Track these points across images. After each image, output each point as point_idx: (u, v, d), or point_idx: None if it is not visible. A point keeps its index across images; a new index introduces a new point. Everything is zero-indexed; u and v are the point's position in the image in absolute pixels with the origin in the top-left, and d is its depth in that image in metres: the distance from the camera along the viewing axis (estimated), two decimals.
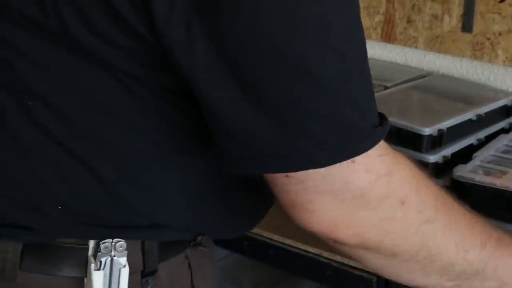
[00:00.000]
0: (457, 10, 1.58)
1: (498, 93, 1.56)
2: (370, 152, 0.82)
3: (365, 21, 1.69)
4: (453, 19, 1.59)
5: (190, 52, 0.79)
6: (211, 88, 0.81)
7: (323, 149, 0.81)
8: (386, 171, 0.85)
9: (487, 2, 1.54)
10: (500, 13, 1.53)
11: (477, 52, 1.58)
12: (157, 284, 0.99)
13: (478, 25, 1.56)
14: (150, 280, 0.98)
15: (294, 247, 1.36)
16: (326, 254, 1.33)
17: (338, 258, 1.32)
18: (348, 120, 0.81)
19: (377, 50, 1.72)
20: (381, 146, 0.84)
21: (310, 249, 1.35)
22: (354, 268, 1.30)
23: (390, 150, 0.86)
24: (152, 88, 0.88)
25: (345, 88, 0.80)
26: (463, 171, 1.31)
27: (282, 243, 1.38)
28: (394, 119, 1.38)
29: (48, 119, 0.90)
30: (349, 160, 0.82)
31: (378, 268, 0.93)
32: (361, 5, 1.68)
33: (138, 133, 0.91)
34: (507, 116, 1.51)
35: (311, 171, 0.82)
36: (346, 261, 1.32)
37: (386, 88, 1.56)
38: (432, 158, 1.35)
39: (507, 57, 1.55)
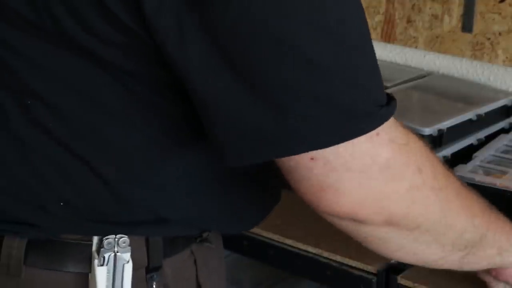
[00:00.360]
0: (457, 10, 1.58)
1: (498, 93, 1.56)
2: (391, 122, 0.85)
3: None
4: (453, 19, 1.59)
5: (182, 44, 0.79)
6: (205, 78, 0.81)
7: (354, 120, 0.82)
8: (405, 141, 0.87)
9: (487, 2, 1.54)
10: (500, 13, 1.53)
11: (477, 52, 1.58)
12: (162, 280, 0.99)
13: (478, 25, 1.56)
14: (155, 276, 0.98)
15: (294, 247, 1.36)
16: (326, 254, 1.33)
17: (338, 258, 1.32)
18: (370, 94, 0.83)
19: (377, 50, 1.71)
20: (394, 119, 0.87)
21: (310, 249, 1.35)
22: (354, 268, 1.30)
23: (400, 123, 0.89)
24: (148, 84, 0.88)
25: (344, 68, 0.81)
26: (463, 171, 1.31)
27: (282, 243, 1.38)
28: None
29: (48, 119, 0.90)
30: (373, 132, 0.83)
31: (397, 247, 0.95)
32: None
33: (136, 130, 0.91)
34: (507, 116, 1.51)
35: (339, 149, 0.82)
36: (346, 261, 1.32)
37: (386, 88, 1.55)
38: None
39: (507, 57, 1.55)
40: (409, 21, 1.64)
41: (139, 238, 0.97)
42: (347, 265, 1.31)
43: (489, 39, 1.56)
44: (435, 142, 1.35)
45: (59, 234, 0.96)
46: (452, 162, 1.36)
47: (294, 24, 0.78)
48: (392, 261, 1.31)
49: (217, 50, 0.79)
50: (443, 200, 0.93)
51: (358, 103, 0.83)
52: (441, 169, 0.92)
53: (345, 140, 0.82)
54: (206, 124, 0.85)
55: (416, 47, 1.65)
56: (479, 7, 1.55)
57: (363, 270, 1.30)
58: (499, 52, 1.55)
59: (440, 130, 1.35)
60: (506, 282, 1.13)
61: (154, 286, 0.98)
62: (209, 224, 1.02)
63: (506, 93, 1.56)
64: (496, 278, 1.13)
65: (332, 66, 0.80)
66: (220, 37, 0.78)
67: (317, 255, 1.34)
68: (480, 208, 1.00)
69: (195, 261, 1.03)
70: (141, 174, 0.94)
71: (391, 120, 0.86)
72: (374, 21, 1.68)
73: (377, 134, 0.84)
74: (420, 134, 1.34)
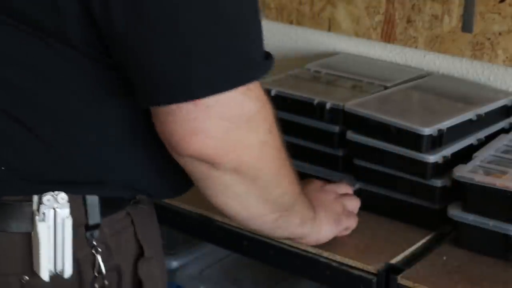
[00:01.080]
0: (457, 10, 1.58)
1: (498, 93, 1.56)
2: (258, 82, 0.99)
3: (365, 21, 1.69)
4: (453, 19, 1.59)
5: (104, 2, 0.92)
6: (125, 25, 0.93)
7: (226, 75, 0.95)
8: (265, 101, 1.01)
9: (487, 2, 1.54)
10: (500, 13, 1.53)
11: (477, 52, 1.58)
12: (101, 237, 1.07)
13: (478, 25, 1.56)
14: (94, 234, 1.06)
15: (294, 247, 1.36)
16: (326, 254, 1.33)
17: (338, 258, 1.32)
18: (245, 51, 0.97)
19: (377, 50, 1.72)
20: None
21: (310, 249, 1.35)
22: (354, 268, 1.31)
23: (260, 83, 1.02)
24: (75, 45, 0.97)
25: (241, 22, 0.96)
26: (463, 171, 1.31)
27: (282, 243, 1.38)
28: (394, 119, 1.38)
29: None
30: (245, 87, 0.97)
31: (233, 195, 1.06)
32: (361, 5, 1.69)
33: (68, 92, 1.00)
34: (507, 116, 1.51)
35: (220, 96, 0.95)
36: (346, 261, 1.32)
37: (386, 88, 1.56)
38: (432, 158, 1.35)
39: (507, 57, 1.55)
40: (409, 21, 1.64)
41: (77, 197, 1.04)
42: (347, 265, 1.31)
43: (489, 39, 1.56)
44: (435, 142, 1.35)
45: (1, 196, 1.03)
46: (452, 162, 1.36)
47: None
48: (392, 261, 1.31)
49: (130, 4, 0.92)
50: (281, 160, 1.08)
51: (251, 53, 0.98)
52: (279, 135, 1.06)
53: (239, 85, 0.96)
54: (128, 71, 0.97)
55: (416, 47, 1.65)
56: (479, 7, 1.55)
57: (363, 270, 1.30)
58: (499, 52, 1.55)
59: (440, 130, 1.35)
60: None
61: (94, 243, 1.06)
62: (142, 187, 1.10)
63: (506, 93, 1.56)
64: None
65: (234, 21, 0.95)
66: None
67: (317, 255, 1.34)
68: (295, 178, 1.14)
69: (132, 221, 1.12)
70: (75, 135, 1.02)
71: (258, 81, 0.99)
72: (374, 21, 1.68)
73: (249, 89, 0.98)
74: (420, 134, 1.34)
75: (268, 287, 1.68)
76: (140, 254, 1.13)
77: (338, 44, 1.77)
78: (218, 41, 0.94)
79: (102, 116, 1.02)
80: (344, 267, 1.31)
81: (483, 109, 1.45)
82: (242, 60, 0.97)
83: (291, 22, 1.80)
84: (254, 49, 0.99)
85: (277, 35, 1.87)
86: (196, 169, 1.02)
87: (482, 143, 1.43)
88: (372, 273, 1.29)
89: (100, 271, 1.07)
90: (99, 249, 1.06)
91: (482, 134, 1.45)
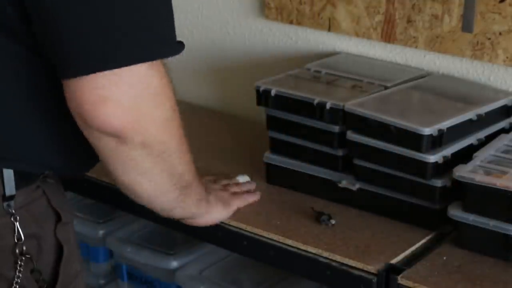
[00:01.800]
0: (457, 10, 1.58)
1: (498, 93, 1.56)
2: (164, 62, 1.08)
3: (365, 21, 1.69)
4: (453, 19, 1.59)
5: None
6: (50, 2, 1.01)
7: (135, 49, 1.04)
8: (169, 80, 1.10)
9: (487, 2, 1.54)
10: (500, 13, 1.53)
11: (477, 52, 1.58)
12: (17, 207, 1.17)
13: (478, 25, 1.56)
14: (11, 203, 1.16)
15: (294, 247, 1.36)
16: (326, 254, 1.33)
17: (338, 258, 1.32)
18: (155, 30, 1.06)
19: (377, 50, 1.72)
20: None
21: (310, 249, 1.35)
22: (354, 268, 1.31)
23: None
24: None
25: (153, 4, 1.05)
26: (463, 171, 1.31)
27: (282, 243, 1.38)
28: (394, 119, 1.38)
29: None
30: (153, 63, 1.05)
31: (141, 170, 1.13)
32: (361, 5, 1.69)
33: None
34: (507, 116, 1.51)
35: (133, 68, 1.04)
36: (346, 261, 1.32)
37: (386, 88, 1.55)
38: (432, 158, 1.35)
39: (507, 57, 1.55)
40: (409, 21, 1.64)
41: None
42: (347, 265, 1.31)
43: (489, 39, 1.56)
44: (435, 142, 1.35)
45: None
46: (452, 162, 1.36)
47: None
48: (392, 261, 1.31)
49: None
50: (182, 138, 1.16)
51: (161, 33, 1.07)
52: (180, 117, 1.14)
53: (147, 60, 1.04)
54: (44, 46, 1.05)
55: (416, 47, 1.65)
56: (479, 7, 1.55)
57: (363, 270, 1.30)
58: (499, 52, 1.55)
59: (440, 130, 1.35)
60: None
61: (13, 211, 1.16)
62: (50, 163, 1.18)
63: (506, 93, 1.56)
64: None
65: (145, 2, 1.04)
66: None
67: (317, 255, 1.34)
68: (192, 158, 1.21)
69: (44, 192, 1.21)
70: None
71: (162, 61, 1.08)
72: (374, 21, 1.68)
73: (156, 65, 1.06)
74: (420, 134, 1.34)
75: (268, 287, 1.67)
76: (58, 220, 1.23)
77: (338, 44, 1.77)
78: (130, 17, 1.03)
79: (11, 94, 1.11)
80: (344, 267, 1.31)
81: (483, 109, 1.45)
82: (151, 38, 1.06)
83: (291, 22, 1.80)
84: (164, 31, 1.08)
85: (277, 35, 1.87)
86: (105, 145, 1.09)
87: (482, 143, 1.43)
88: (372, 273, 1.29)
89: (19, 238, 1.17)
90: (17, 217, 1.17)
91: (482, 134, 1.45)
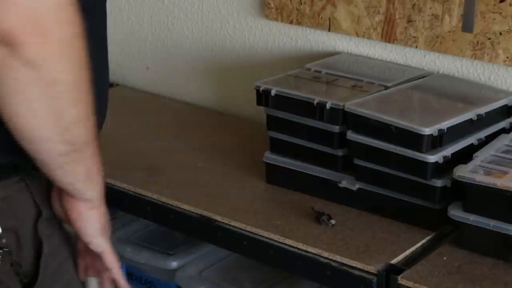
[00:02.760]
0: (457, 10, 1.58)
1: (498, 93, 1.56)
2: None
3: (365, 21, 1.69)
4: (453, 19, 1.59)
5: None
6: None
7: None
8: (76, 10, 0.98)
9: (487, 2, 1.54)
10: (500, 13, 1.53)
11: (478, 52, 1.58)
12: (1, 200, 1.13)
13: (478, 25, 1.56)
14: None
15: (294, 247, 1.36)
16: (326, 254, 1.33)
17: (338, 258, 1.32)
18: None
19: (377, 50, 1.72)
20: None
21: (310, 249, 1.35)
22: (354, 268, 1.30)
23: None
24: None
25: None
26: (463, 171, 1.31)
27: (282, 243, 1.38)
28: (394, 119, 1.38)
29: None
30: None
31: (28, 99, 1.00)
32: (361, 5, 1.69)
33: None
34: (508, 116, 1.51)
35: None
36: (346, 261, 1.32)
37: (386, 88, 1.55)
38: (432, 158, 1.35)
39: (507, 57, 1.55)
40: (409, 21, 1.64)
41: None
42: (347, 265, 1.31)
43: (489, 39, 1.56)
44: (435, 142, 1.35)
45: None
46: (452, 162, 1.36)
47: None
48: (392, 261, 1.31)
49: None
50: (83, 81, 1.02)
51: None
52: (88, 61, 1.03)
53: None
54: None
55: (416, 47, 1.65)
56: (479, 7, 1.55)
57: (363, 270, 1.30)
58: (500, 52, 1.55)
59: (440, 130, 1.35)
60: (72, 224, 1.22)
61: None
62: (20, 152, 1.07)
63: (506, 93, 1.56)
64: (67, 215, 1.21)
65: None
66: None
67: (317, 255, 1.34)
68: (94, 122, 1.07)
69: (27, 185, 1.17)
70: None
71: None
72: (374, 21, 1.68)
73: None
74: (420, 134, 1.34)
75: (268, 287, 1.67)
76: (39, 215, 1.18)
77: (338, 44, 1.77)
78: None
79: None
80: (344, 267, 1.31)
81: (483, 109, 1.45)
82: None
83: (291, 22, 1.80)
84: None
85: (277, 35, 1.87)
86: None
87: (483, 143, 1.43)
88: (372, 273, 1.29)
89: None
90: None
91: (482, 134, 1.45)
